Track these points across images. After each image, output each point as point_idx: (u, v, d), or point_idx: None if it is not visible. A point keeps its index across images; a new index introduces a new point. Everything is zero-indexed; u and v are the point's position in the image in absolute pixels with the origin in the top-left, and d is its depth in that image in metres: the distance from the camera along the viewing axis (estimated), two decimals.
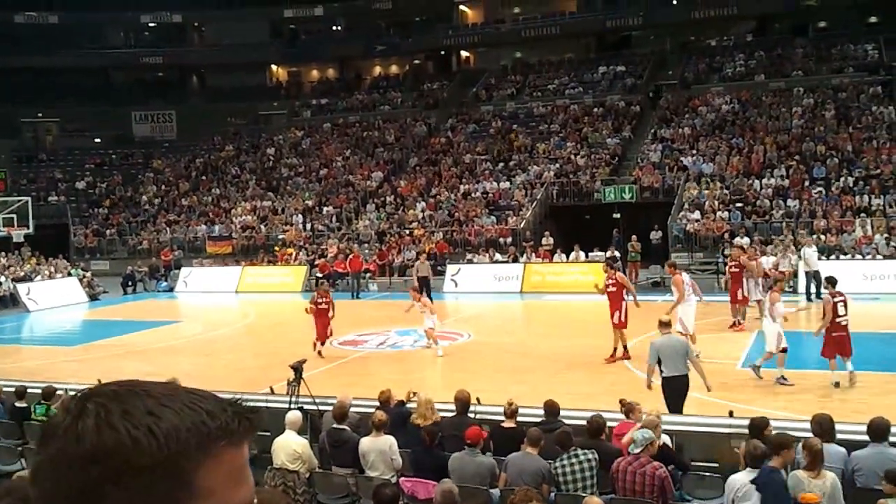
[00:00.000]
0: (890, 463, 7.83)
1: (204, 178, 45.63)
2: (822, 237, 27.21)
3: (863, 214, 29.15)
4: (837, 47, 41.84)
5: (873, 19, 45.01)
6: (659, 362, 11.29)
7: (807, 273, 23.73)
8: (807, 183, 31.81)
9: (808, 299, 23.19)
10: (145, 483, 0.99)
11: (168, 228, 40.27)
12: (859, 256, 26.35)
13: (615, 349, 16.02)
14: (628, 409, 9.76)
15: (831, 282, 14.26)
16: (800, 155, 33.53)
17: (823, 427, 8.51)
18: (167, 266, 35.54)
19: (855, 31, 43.33)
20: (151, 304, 29.98)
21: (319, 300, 17.97)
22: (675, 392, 11.10)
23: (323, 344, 17.61)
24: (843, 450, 8.47)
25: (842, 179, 31.43)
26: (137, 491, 0.98)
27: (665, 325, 11.80)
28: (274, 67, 57.72)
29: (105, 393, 1.05)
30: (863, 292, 23.16)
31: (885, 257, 26.18)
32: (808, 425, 8.81)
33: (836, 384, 13.08)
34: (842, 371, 13.23)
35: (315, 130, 48.15)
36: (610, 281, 16.52)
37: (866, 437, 8.53)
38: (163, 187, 45.70)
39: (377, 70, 55.86)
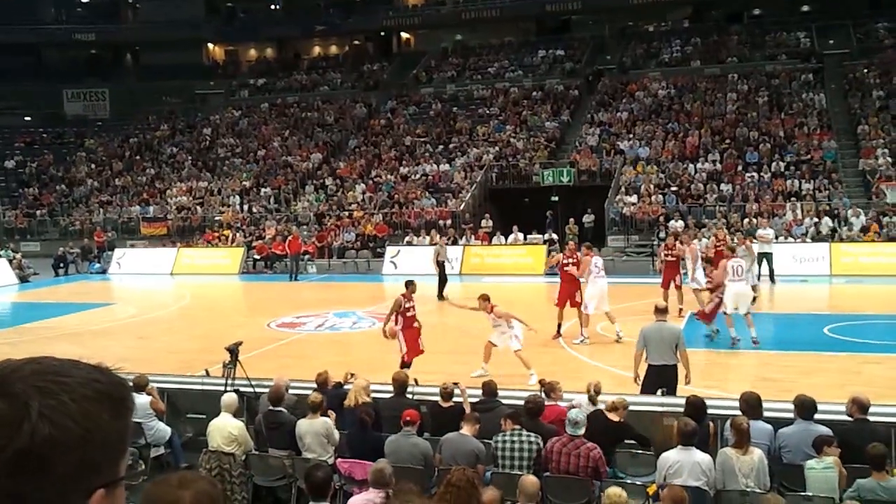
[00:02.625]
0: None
1: (138, 157, 44.74)
2: (754, 220, 27.76)
3: (793, 198, 29.88)
4: (771, 34, 42.69)
5: (806, 8, 46.07)
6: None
7: (759, 254, 23.79)
8: (740, 167, 32.48)
9: (763, 279, 23.32)
10: None
11: (101, 209, 39.43)
12: (791, 239, 26.99)
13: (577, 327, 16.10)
14: (548, 388, 9.88)
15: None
16: (733, 140, 34.20)
17: (751, 405, 8.75)
18: (100, 247, 34.83)
19: (788, 19, 44.24)
20: (84, 287, 29.35)
21: (408, 304, 13.61)
22: (658, 380, 10.74)
23: (412, 358, 13.27)
24: (770, 427, 8.70)
25: (773, 164, 32.15)
26: None
27: (661, 311, 11.32)
28: (210, 46, 56.72)
29: None
30: (792, 274, 23.81)
31: (813, 240, 26.88)
32: (737, 404, 9.04)
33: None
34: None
35: (253, 111, 47.52)
36: (570, 259, 16.52)
37: (792, 415, 8.78)
38: (95, 167, 44.69)
39: (316, 50, 55.30)
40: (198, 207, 38.09)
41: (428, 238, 31.10)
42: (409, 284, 13.85)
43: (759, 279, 23.26)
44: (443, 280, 23.10)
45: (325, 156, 40.82)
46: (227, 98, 50.21)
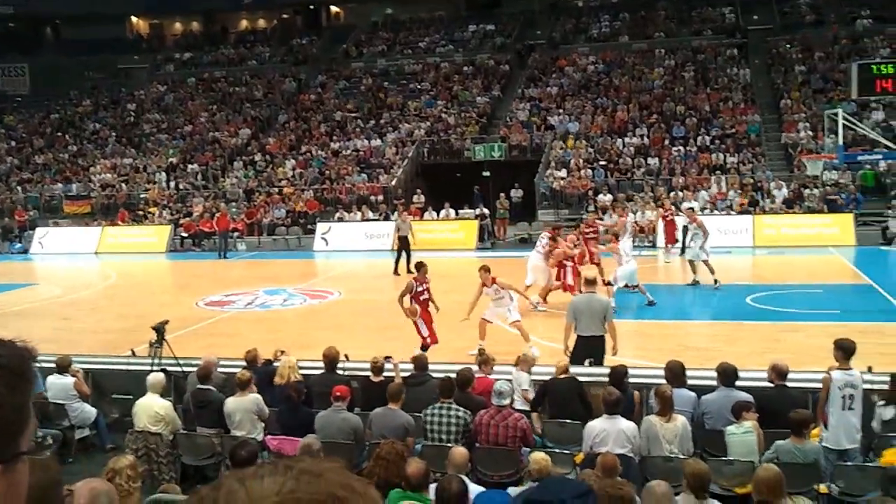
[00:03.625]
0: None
1: (60, 134, 43.42)
2: (680, 193, 28.26)
3: (718, 172, 30.50)
4: (697, 10, 43.30)
5: None
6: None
7: (684, 227, 24.13)
8: (667, 142, 33.00)
9: (683, 252, 23.76)
10: None
11: (21, 187, 38.22)
12: (716, 212, 27.55)
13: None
14: (482, 361, 9.98)
15: None
16: (660, 115, 34.70)
17: (675, 373, 8.96)
18: (21, 227, 33.88)
19: None
20: (4, 267, 28.51)
21: (420, 287, 12.94)
22: (586, 351, 10.84)
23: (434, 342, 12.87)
24: (693, 394, 8.93)
25: (699, 138, 32.75)
26: None
27: (589, 283, 11.49)
28: (134, 19, 55.24)
29: None
30: (717, 246, 24.27)
31: (737, 213, 27.51)
32: (662, 372, 9.25)
33: None
34: None
35: (179, 86, 46.47)
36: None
37: (715, 383, 9.01)
38: (15, 144, 43.27)
39: (244, 24, 54.28)
40: (122, 185, 37.21)
41: (360, 214, 30.99)
42: (420, 267, 13.27)
43: (684, 251, 23.78)
44: (407, 254, 22.75)
45: (254, 131, 40.22)
46: (152, 73, 48.96)
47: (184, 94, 45.26)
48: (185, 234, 31.00)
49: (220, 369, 10.52)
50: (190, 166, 37.78)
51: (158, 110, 44.07)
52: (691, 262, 18.58)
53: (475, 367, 9.84)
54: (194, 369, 10.24)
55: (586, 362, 10.64)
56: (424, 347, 12.38)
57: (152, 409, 9.24)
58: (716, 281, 17.83)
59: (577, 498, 5.95)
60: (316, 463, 1.10)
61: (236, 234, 30.40)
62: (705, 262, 17.98)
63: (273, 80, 44.88)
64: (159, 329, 11.27)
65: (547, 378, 9.67)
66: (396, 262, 22.95)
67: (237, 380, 9.23)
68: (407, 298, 12.80)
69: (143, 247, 30.64)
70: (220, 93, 44.73)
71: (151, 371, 10.39)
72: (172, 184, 36.64)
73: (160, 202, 34.50)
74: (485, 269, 13.27)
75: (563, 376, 9.41)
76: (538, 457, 6.92)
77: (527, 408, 9.33)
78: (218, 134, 40.24)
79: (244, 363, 10.34)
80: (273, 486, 1.04)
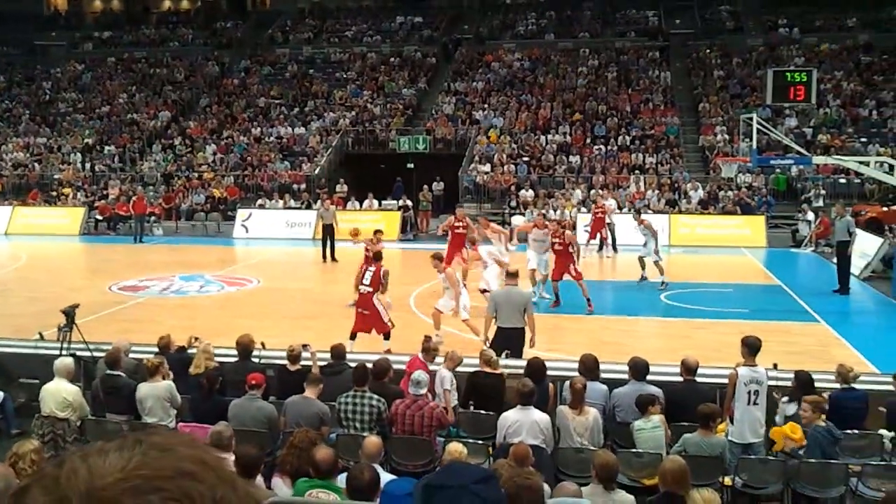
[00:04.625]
0: None
1: None
2: (600, 191, 28.71)
3: (637, 171, 31.09)
4: (622, 12, 44.00)
5: None
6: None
7: (609, 225, 24.64)
8: (588, 140, 33.49)
9: (601, 249, 24.30)
10: None
11: None
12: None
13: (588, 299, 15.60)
14: (426, 348, 9.77)
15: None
16: (583, 113, 35.18)
17: (587, 366, 9.11)
18: None
19: None
20: None
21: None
22: (505, 342, 10.98)
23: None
24: (604, 387, 9.09)
25: (620, 138, 33.32)
26: None
27: (510, 276, 11.61)
28: None
29: None
30: (634, 244, 24.76)
31: (655, 212, 28.06)
32: (576, 366, 9.39)
33: None
34: None
35: (97, 65, 45.19)
36: (556, 239, 16.53)
37: (626, 376, 9.19)
38: None
39: (167, 4, 53.10)
40: (35, 165, 36.06)
41: (281, 202, 30.66)
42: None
43: (601, 248, 24.27)
44: (331, 242, 22.85)
45: (174, 114, 39.41)
46: (70, 51, 47.48)
47: (102, 74, 44.04)
48: (99, 217, 30.20)
49: (133, 355, 10.29)
50: (107, 148, 36.85)
51: (75, 89, 42.81)
52: (640, 259, 18.86)
53: (420, 353, 9.76)
54: (105, 355, 10.01)
55: (503, 354, 10.73)
56: (388, 336, 12.42)
57: (60, 394, 9.00)
58: (663, 282, 18.11)
59: (478, 483, 6.00)
60: (169, 437, 1.05)
61: (153, 218, 29.73)
62: (656, 263, 18.24)
63: (195, 62, 44.05)
64: (69, 313, 10.97)
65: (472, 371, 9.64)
66: (323, 250, 22.93)
67: (146, 366, 9.05)
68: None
69: (56, 229, 29.73)
70: (139, 74, 43.67)
71: (60, 355, 10.10)
72: (88, 165, 35.65)
73: (74, 183, 33.54)
74: (436, 257, 13.22)
75: (489, 371, 9.38)
76: (454, 447, 6.96)
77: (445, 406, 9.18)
78: (137, 116, 39.31)
79: (157, 349, 10.15)
80: (118, 463, 0.99)
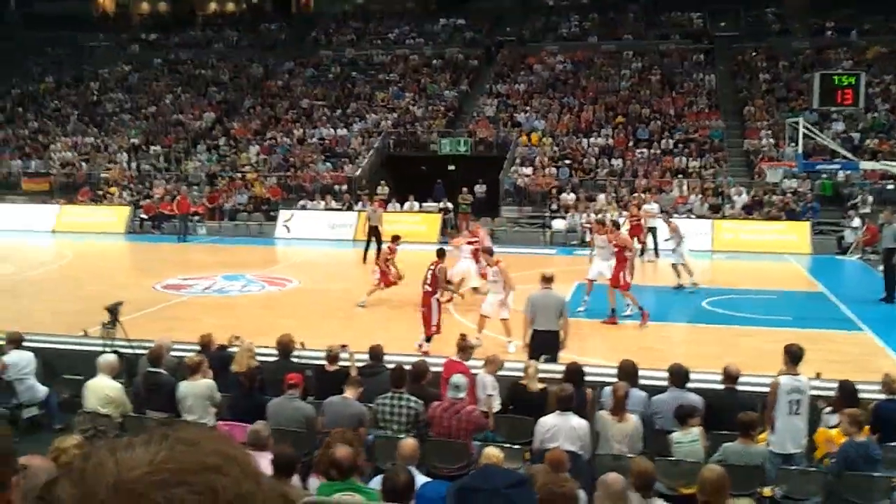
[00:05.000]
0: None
1: (20, 109, 42.67)
2: (643, 195, 28.48)
3: (680, 175, 30.80)
4: (666, 14, 43.61)
5: None
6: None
7: (646, 229, 24.29)
8: (631, 143, 33.25)
9: (642, 253, 23.93)
10: None
11: None
12: (676, 215, 27.78)
13: (612, 309, 15.22)
14: (462, 347, 9.79)
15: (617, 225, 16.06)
16: (626, 116, 34.94)
17: (627, 372, 9.05)
18: None
19: (683, 0, 45.25)
20: None
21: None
22: (541, 345, 11.09)
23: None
24: (644, 394, 9.01)
25: (663, 141, 33.03)
26: None
27: (546, 280, 11.68)
28: None
29: None
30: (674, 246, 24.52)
31: (698, 216, 27.79)
32: (615, 371, 9.33)
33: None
34: None
35: (144, 66, 45.84)
36: (474, 239, 16.52)
37: (666, 383, 9.10)
38: None
39: (212, 7, 53.73)
40: (83, 164, 36.69)
41: (323, 203, 30.85)
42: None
43: (643, 253, 24.00)
44: (378, 244, 22.65)
45: (219, 115, 39.85)
46: (117, 52, 48.22)
47: (148, 75, 44.68)
48: (144, 216, 30.64)
49: (174, 353, 10.43)
50: (152, 148, 37.36)
51: (122, 90, 43.47)
52: (674, 266, 18.71)
53: (456, 354, 9.76)
54: (147, 352, 10.15)
55: (542, 358, 10.70)
56: (429, 338, 12.75)
57: (102, 390, 9.15)
58: (694, 283, 18.00)
59: (512, 487, 6.00)
60: (194, 431, 1.06)
61: (197, 217, 30.10)
62: (683, 265, 18.10)
63: (240, 64, 44.48)
64: (113, 310, 11.15)
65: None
66: (365, 251, 22.98)
67: (186, 364, 9.16)
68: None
69: (102, 227, 30.22)
70: (185, 75, 44.25)
71: (103, 352, 10.27)
72: (134, 164, 36.19)
73: (121, 182, 34.06)
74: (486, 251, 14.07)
75: (537, 387, 9.22)
76: (490, 451, 6.93)
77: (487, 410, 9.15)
78: (182, 116, 39.82)
79: (198, 347, 10.27)
80: (145, 457, 1.00)
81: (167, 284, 19.01)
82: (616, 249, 15.28)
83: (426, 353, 11.05)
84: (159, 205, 30.68)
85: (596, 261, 15.96)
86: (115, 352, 10.50)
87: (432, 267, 13.23)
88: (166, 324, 14.30)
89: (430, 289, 12.90)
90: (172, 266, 22.00)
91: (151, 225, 30.36)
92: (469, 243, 17.19)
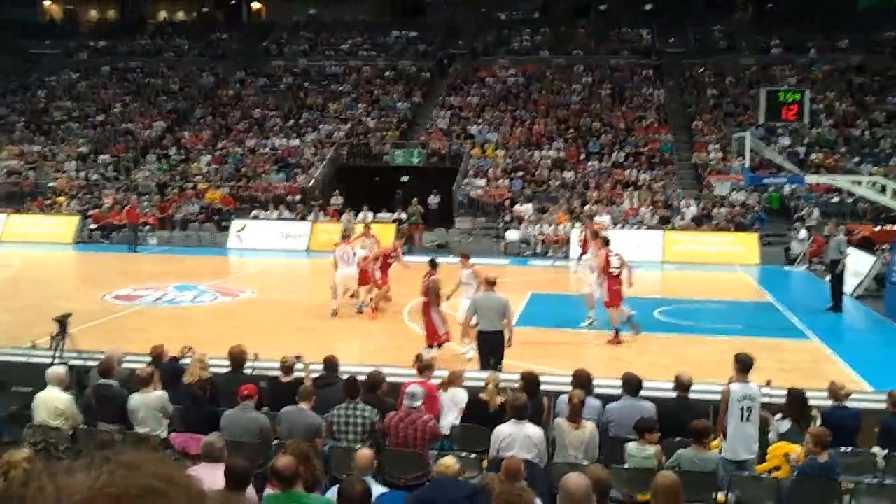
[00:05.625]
0: (639, 414, 8.50)
1: None
2: (594, 207, 28.80)
3: (631, 188, 31.19)
4: (616, 30, 44.22)
5: (649, 6, 47.94)
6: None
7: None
8: (582, 156, 33.61)
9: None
10: None
11: None
12: (627, 226, 28.14)
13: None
14: (420, 368, 9.74)
15: (606, 241, 15.51)
16: (577, 130, 35.31)
17: (581, 381, 9.12)
18: None
19: (632, 16, 46.00)
20: None
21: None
22: (487, 345, 11.57)
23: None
24: (598, 402, 9.10)
25: (614, 154, 33.44)
26: None
27: (489, 283, 12.05)
28: (47, 3, 53.56)
29: None
30: (630, 260, 24.82)
31: (649, 228, 28.14)
32: (569, 379, 9.40)
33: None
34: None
35: (92, 74, 45.19)
36: (394, 254, 16.79)
37: (620, 391, 9.21)
38: None
39: (162, 15, 53.18)
40: (30, 172, 35.99)
41: (276, 212, 30.65)
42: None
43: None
44: None
45: (169, 124, 39.41)
46: (65, 59, 47.44)
47: (97, 83, 44.05)
48: (93, 226, 30.15)
49: (125, 365, 10.28)
50: (101, 156, 36.78)
51: (70, 98, 42.78)
52: None
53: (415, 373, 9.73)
54: (98, 364, 9.99)
55: (490, 361, 10.83)
56: (439, 345, 13.05)
57: (52, 403, 8.97)
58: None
59: (466, 499, 6.01)
60: (136, 455, 1.04)
61: (147, 227, 29.70)
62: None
63: (190, 73, 44.07)
64: (62, 321, 10.96)
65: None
66: None
67: (139, 376, 9.03)
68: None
69: (50, 237, 29.66)
70: (134, 83, 43.70)
71: (52, 364, 10.08)
72: (82, 174, 35.60)
73: (69, 192, 33.48)
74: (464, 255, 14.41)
75: (497, 403, 9.10)
76: (445, 462, 6.90)
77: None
78: (131, 125, 39.30)
79: (150, 359, 10.14)
80: (85, 482, 0.98)
81: (118, 295, 18.73)
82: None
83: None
84: (108, 214, 30.23)
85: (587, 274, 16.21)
86: (64, 363, 10.32)
87: (426, 278, 13.34)
88: (117, 335, 14.09)
89: (424, 299, 13.17)
90: (123, 277, 21.67)
91: (101, 235, 29.88)
92: (388, 256, 17.22)
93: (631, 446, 8.13)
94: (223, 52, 46.18)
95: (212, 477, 6.57)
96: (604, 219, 25.16)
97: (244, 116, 39.09)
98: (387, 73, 41.92)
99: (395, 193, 31.81)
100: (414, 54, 43.94)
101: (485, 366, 11.28)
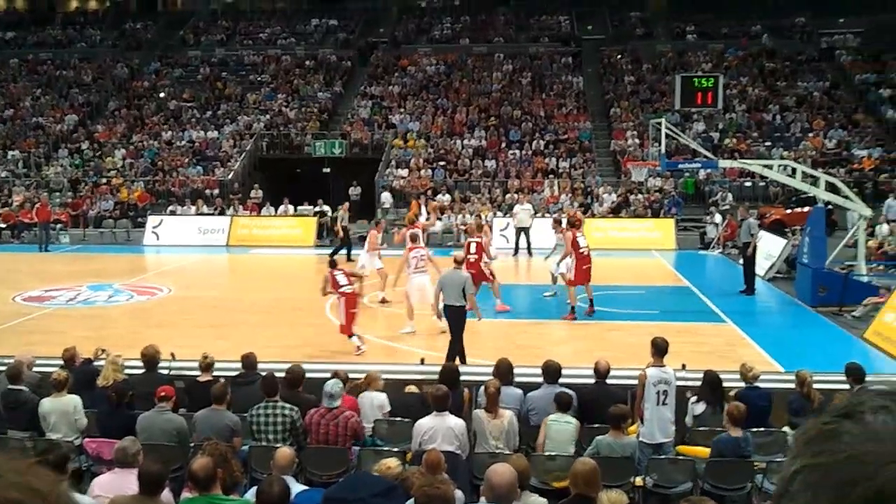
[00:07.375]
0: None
1: None
2: (515, 196, 28.99)
3: (551, 176, 31.51)
4: (535, 17, 44.54)
5: None
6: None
7: (518, 229, 24.89)
8: (503, 145, 33.80)
9: (516, 253, 24.51)
10: None
11: None
12: (548, 215, 28.36)
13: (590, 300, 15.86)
14: (350, 389, 9.37)
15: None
16: (498, 118, 35.49)
17: (502, 371, 9.19)
18: None
19: (551, 3, 46.31)
20: None
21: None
22: (452, 319, 12.25)
23: None
24: (519, 391, 9.18)
25: (534, 143, 33.71)
26: None
27: (456, 262, 12.99)
28: None
29: None
30: (549, 247, 25.05)
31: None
32: (491, 370, 9.45)
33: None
34: None
35: (0, 67, 43.64)
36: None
37: (540, 379, 9.30)
38: None
39: (73, 4, 51.62)
40: None
41: (194, 207, 30.05)
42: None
43: (517, 253, 24.49)
44: (348, 246, 23.41)
45: (82, 118, 38.32)
46: None
47: (5, 76, 42.54)
48: (3, 225, 29.15)
49: (36, 369, 9.97)
50: (10, 153, 35.61)
51: None
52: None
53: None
54: (6, 368, 9.66)
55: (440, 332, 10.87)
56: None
57: None
58: (554, 293, 18.17)
59: (378, 496, 5.98)
60: None
61: (59, 225, 28.83)
62: (555, 274, 18.24)
63: (104, 64, 42.90)
64: None
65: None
66: (348, 253, 23.05)
67: (53, 380, 8.76)
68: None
69: None
70: (45, 76, 42.36)
71: None
72: None
73: None
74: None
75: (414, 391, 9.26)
76: (389, 462, 6.75)
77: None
78: (42, 119, 38.12)
79: (62, 362, 9.85)
80: None
81: (28, 297, 18.15)
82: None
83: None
84: (18, 213, 29.27)
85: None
86: None
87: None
88: (28, 338, 13.68)
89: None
90: (34, 277, 21.00)
91: (10, 234, 28.91)
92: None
93: (551, 416, 8.27)
94: (137, 43, 45.07)
95: (126, 482, 6.44)
96: (526, 207, 25.33)
97: (160, 108, 38.27)
98: (307, 63, 41.49)
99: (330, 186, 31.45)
100: (334, 43, 43.59)
101: (454, 337, 12.13)
